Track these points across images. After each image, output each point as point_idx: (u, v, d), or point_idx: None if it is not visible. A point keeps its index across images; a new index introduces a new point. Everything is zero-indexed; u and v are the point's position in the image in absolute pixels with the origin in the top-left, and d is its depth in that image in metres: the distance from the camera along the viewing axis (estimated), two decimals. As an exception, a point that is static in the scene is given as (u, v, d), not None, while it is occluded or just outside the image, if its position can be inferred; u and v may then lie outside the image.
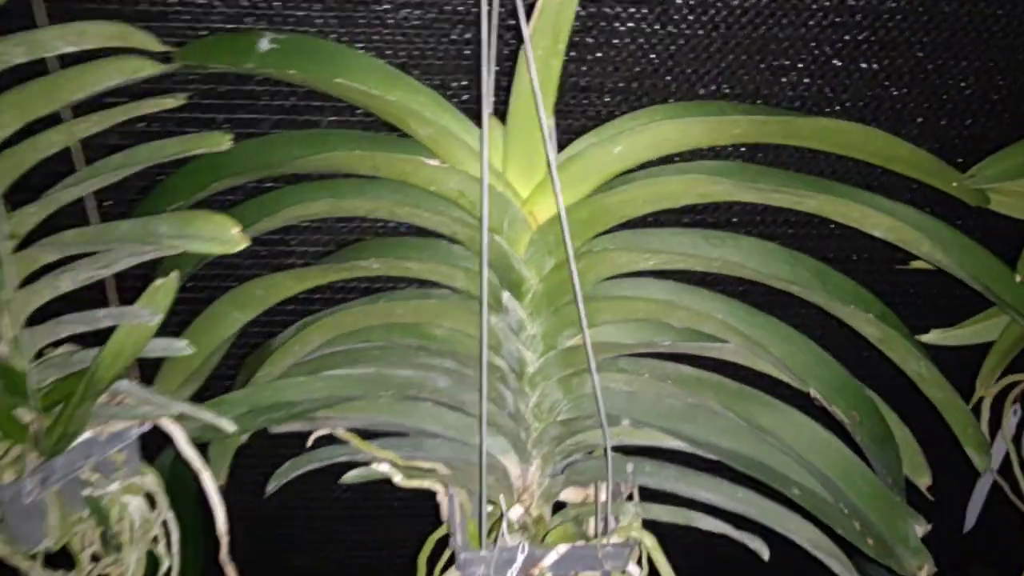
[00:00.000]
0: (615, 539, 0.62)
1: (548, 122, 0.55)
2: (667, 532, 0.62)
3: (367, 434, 0.68)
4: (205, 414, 0.58)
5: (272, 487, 0.69)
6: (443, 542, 0.69)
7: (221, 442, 0.69)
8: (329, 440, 0.69)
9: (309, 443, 0.67)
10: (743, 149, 0.68)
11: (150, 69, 0.52)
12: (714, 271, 0.58)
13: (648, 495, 0.63)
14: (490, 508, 0.73)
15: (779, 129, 0.55)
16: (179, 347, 0.57)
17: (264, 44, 0.58)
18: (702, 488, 0.61)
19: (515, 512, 0.66)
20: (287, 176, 0.72)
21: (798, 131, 0.55)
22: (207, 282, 0.75)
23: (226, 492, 0.75)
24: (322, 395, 0.65)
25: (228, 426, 0.59)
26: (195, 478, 0.76)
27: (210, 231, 0.50)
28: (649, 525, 0.62)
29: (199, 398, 0.73)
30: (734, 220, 0.72)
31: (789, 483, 0.58)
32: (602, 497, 0.68)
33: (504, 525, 0.62)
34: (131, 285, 0.59)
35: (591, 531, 0.66)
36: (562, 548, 0.60)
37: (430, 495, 0.69)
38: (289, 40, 0.58)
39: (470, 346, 0.64)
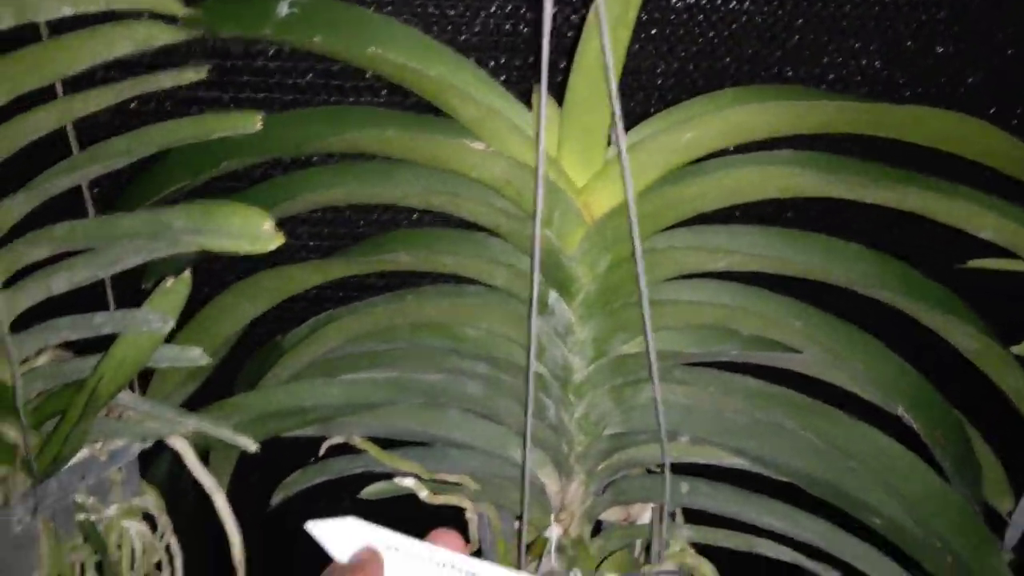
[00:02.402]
0: (667, 566, 0.56)
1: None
2: (722, 560, 0.57)
3: (386, 443, 0.61)
4: (223, 432, 0.52)
5: (278, 499, 0.63)
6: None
7: (224, 449, 0.63)
8: (343, 448, 0.63)
9: (322, 451, 0.61)
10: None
11: (166, 36, 0.45)
12: (789, 274, 0.53)
13: (704, 519, 0.58)
14: (518, 525, 0.67)
15: (870, 117, 0.49)
16: (193, 356, 0.50)
17: (284, 8, 0.50)
18: (767, 513, 0.55)
19: (553, 532, 0.60)
20: (297, 161, 0.65)
21: (891, 120, 0.49)
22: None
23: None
24: (339, 401, 0.58)
25: (249, 445, 0.52)
26: (198, 491, 0.70)
27: (237, 226, 0.43)
28: (703, 552, 0.57)
29: (197, 398, 0.66)
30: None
31: (869, 511, 0.52)
32: (647, 516, 0.62)
33: (551, 547, 0.56)
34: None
35: (636, 555, 0.61)
36: (612, 577, 0.54)
37: (452, 511, 0.63)
38: (313, 3, 0.51)
39: (507, 350, 0.58)
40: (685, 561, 0.55)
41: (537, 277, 0.47)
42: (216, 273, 0.67)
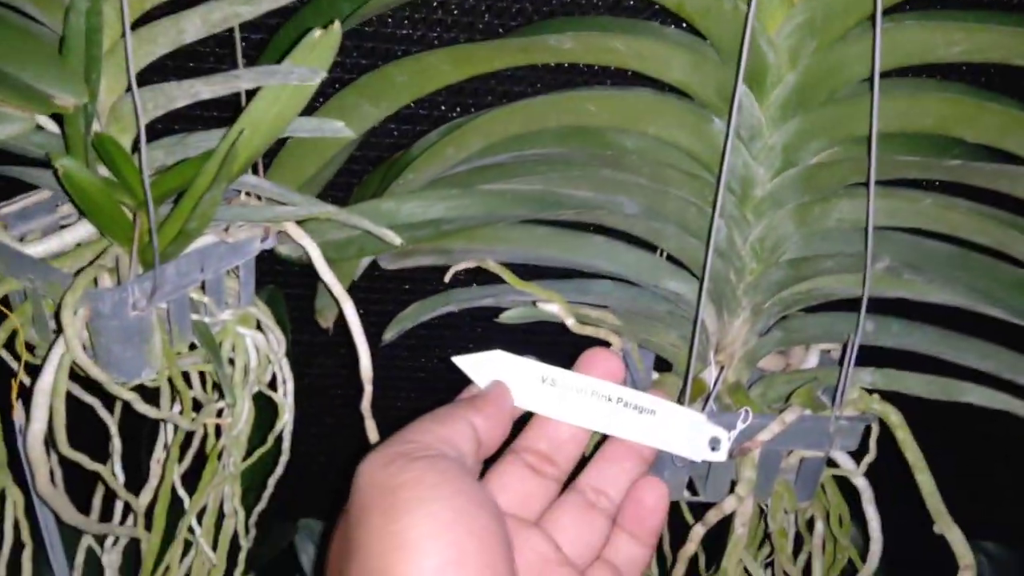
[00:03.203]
0: (848, 412, 0.49)
1: None
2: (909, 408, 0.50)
3: (518, 275, 0.55)
4: (363, 221, 0.46)
5: (392, 334, 0.56)
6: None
7: (342, 266, 0.56)
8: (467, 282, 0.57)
9: (448, 277, 0.55)
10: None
11: None
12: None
13: (890, 361, 0.51)
14: (656, 376, 0.61)
15: None
16: (336, 128, 0.43)
17: None
18: (973, 353, 0.48)
19: (711, 376, 0.54)
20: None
21: None
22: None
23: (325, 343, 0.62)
24: (478, 213, 0.51)
25: (393, 237, 0.46)
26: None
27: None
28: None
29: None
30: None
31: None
32: (812, 362, 0.56)
33: (712, 392, 0.49)
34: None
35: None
36: (789, 416, 0.48)
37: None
38: None
39: (672, 160, 0.51)
40: (870, 407, 0.49)
41: (748, 44, 0.39)
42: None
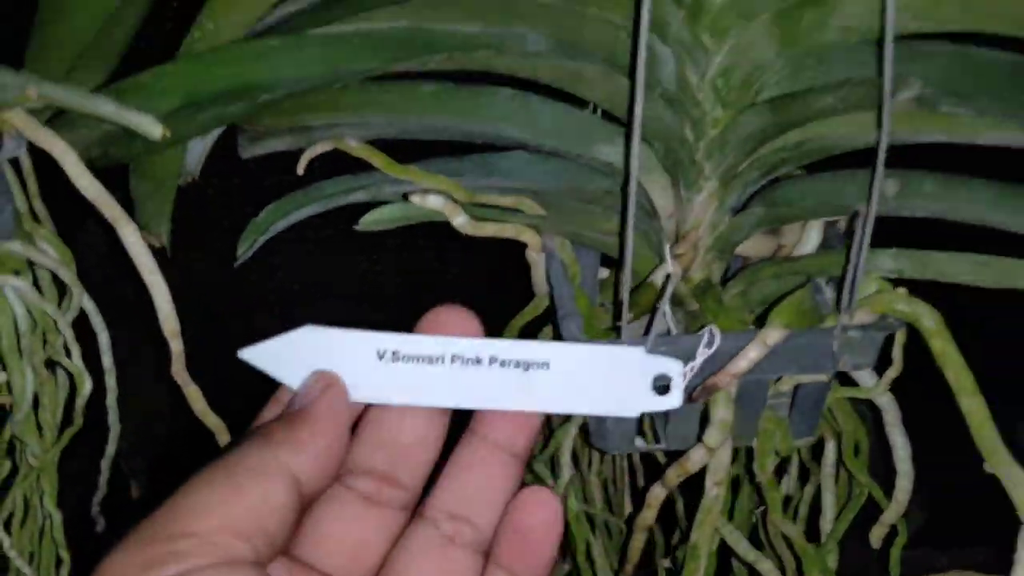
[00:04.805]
0: (863, 317, 0.34)
1: None
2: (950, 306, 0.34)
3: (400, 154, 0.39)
4: (105, 106, 0.30)
5: (245, 251, 0.41)
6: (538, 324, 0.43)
7: (150, 174, 0.41)
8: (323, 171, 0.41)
9: (300, 167, 0.38)
10: None
11: None
12: None
13: (921, 239, 0.35)
14: (605, 273, 0.46)
15: None
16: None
17: None
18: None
19: (664, 275, 0.38)
20: None
21: None
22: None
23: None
24: (314, 71, 0.35)
25: (152, 127, 0.30)
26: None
27: None
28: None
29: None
30: None
31: None
32: (812, 242, 0.40)
33: (664, 297, 0.34)
34: None
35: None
36: (771, 337, 0.32)
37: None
38: None
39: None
40: (893, 308, 0.33)
41: None
42: None
